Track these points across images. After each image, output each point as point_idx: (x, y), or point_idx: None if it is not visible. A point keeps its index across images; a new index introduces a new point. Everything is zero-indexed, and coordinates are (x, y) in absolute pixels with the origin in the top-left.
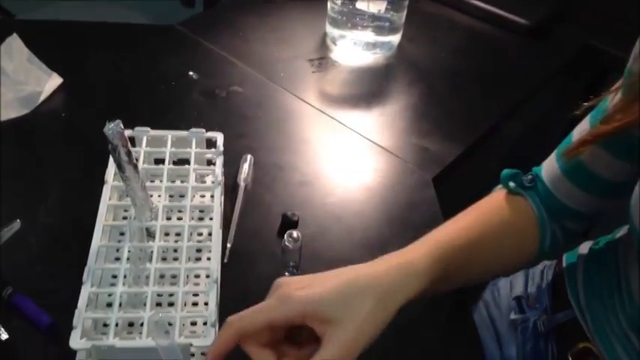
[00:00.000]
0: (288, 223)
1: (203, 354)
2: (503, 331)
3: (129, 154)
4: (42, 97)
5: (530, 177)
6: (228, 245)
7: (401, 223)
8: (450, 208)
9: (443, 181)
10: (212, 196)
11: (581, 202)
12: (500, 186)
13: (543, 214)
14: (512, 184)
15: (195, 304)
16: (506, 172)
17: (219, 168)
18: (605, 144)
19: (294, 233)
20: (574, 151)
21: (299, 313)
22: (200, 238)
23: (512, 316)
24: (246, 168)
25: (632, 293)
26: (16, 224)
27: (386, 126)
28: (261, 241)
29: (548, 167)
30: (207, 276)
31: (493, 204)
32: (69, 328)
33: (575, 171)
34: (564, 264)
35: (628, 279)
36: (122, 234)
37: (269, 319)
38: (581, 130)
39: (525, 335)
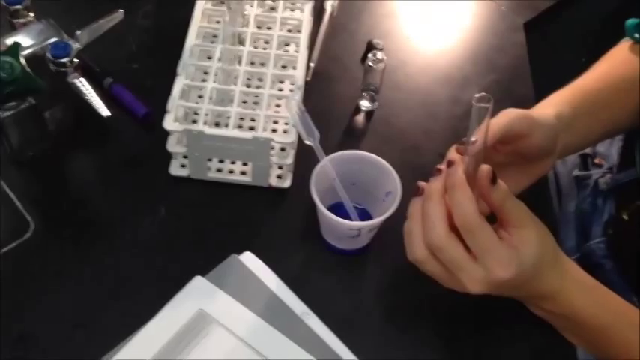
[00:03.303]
0: (373, 49)
1: (283, 149)
2: (565, 186)
3: None
4: None
5: None
6: (312, 65)
7: (485, 64)
8: (538, 56)
9: (535, 28)
10: (302, 12)
11: None
12: (627, 38)
13: None
14: (637, 35)
15: (277, 105)
16: (631, 21)
17: None
18: None
19: (379, 54)
20: None
21: (550, 138)
22: (287, 50)
23: (575, 172)
24: None
25: None
26: (119, 14)
27: None
28: (344, 66)
29: None
30: (292, 83)
31: (622, 56)
32: (163, 118)
33: None
34: None
35: None
36: (215, 37)
37: (529, 127)
38: None
39: (585, 192)
